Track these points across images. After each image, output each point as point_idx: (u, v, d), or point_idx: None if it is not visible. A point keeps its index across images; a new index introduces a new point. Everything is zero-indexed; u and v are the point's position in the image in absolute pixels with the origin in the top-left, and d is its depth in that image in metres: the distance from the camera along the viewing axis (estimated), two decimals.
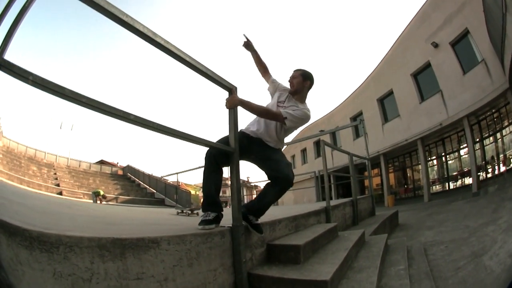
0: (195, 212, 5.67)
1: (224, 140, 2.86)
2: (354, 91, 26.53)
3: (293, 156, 38.30)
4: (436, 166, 20.36)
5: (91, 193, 20.93)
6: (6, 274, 1.47)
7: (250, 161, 3.14)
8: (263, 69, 3.45)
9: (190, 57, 2.34)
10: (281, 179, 2.79)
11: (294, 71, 3.27)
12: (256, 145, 3.04)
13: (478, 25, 13.70)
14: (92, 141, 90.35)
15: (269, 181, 2.93)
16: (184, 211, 6.27)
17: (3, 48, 1.35)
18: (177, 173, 12.04)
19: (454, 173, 18.58)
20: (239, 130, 2.93)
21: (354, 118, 25.68)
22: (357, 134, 25.44)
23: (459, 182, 18.09)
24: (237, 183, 2.67)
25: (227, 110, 2.79)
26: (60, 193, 20.02)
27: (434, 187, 19.66)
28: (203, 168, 2.89)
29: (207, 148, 2.79)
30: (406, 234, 6.05)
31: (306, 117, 3.07)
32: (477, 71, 14.36)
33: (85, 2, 1.68)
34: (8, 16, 1.46)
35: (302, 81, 3.19)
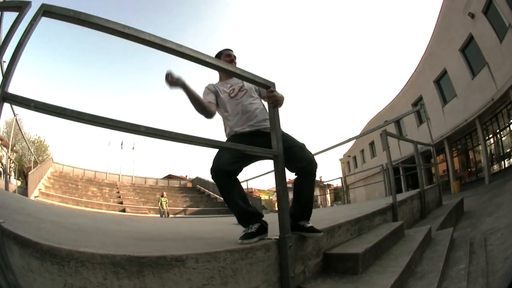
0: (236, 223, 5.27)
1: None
2: (411, 75, 25.66)
3: (362, 151, 37.78)
4: (492, 145, 18.76)
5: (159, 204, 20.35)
6: (15, 277, 1.69)
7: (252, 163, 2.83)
8: (203, 105, 2.79)
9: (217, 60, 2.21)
10: (306, 167, 2.54)
11: (231, 50, 3.06)
12: (258, 139, 2.64)
13: None
14: (158, 157, 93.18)
15: (295, 175, 2.63)
16: None
17: (5, 83, 1.49)
18: (246, 180, 12.00)
19: (508, 150, 17.04)
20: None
21: (415, 104, 24.60)
22: (420, 120, 24.50)
23: None
24: (283, 190, 2.38)
25: (267, 107, 2.56)
26: (123, 210, 20.50)
27: (493, 167, 18.14)
28: (218, 188, 2.60)
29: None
30: (470, 223, 5.75)
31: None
32: (510, 37, 13.34)
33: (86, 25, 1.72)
34: (6, 53, 1.67)
35: None
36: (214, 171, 2.56)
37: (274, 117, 2.48)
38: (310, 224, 2.52)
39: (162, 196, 20.67)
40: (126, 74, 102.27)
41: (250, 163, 2.75)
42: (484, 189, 13.25)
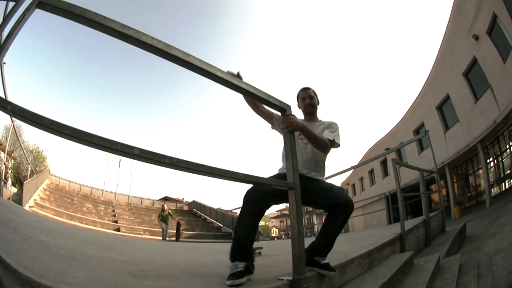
0: (257, 251, 4.90)
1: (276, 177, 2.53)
2: (413, 102, 25.79)
3: (361, 179, 38.03)
4: (492, 168, 18.66)
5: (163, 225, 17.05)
6: None
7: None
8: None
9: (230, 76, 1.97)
10: (341, 204, 2.47)
11: (307, 90, 3.09)
12: (305, 182, 2.51)
13: (501, 7, 12.90)
14: (155, 177, 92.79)
15: (328, 213, 2.57)
16: None
17: None
18: None
19: (508, 171, 16.92)
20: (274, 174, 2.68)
21: (417, 131, 24.87)
22: (421, 147, 24.46)
23: None
24: (299, 226, 2.16)
25: (281, 135, 2.40)
26: (118, 230, 20.17)
27: (492, 189, 17.97)
28: (243, 207, 2.43)
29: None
30: (473, 246, 5.72)
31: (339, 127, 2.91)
32: None
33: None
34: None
35: (318, 100, 3.12)
36: (251, 190, 2.43)
37: (289, 144, 2.29)
38: (326, 261, 2.38)
39: (163, 210, 17.47)
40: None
41: (281, 202, 2.62)
42: (485, 212, 13.27)
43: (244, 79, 2.46)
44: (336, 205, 2.46)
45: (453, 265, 3.74)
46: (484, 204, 16.80)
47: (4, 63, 7.98)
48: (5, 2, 2.98)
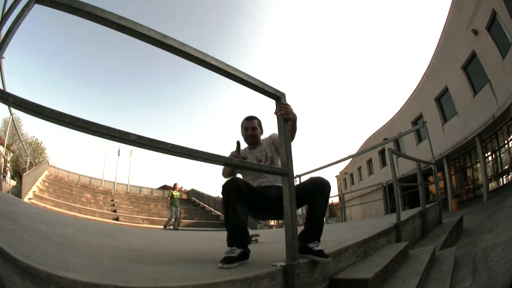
0: (254, 239, 4.97)
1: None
2: (412, 93, 25.80)
3: (359, 168, 38.23)
4: (490, 163, 18.80)
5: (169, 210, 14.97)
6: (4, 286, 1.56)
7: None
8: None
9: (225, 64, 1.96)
10: (319, 182, 2.55)
11: (251, 121, 3.25)
12: (280, 190, 2.46)
13: (501, 4, 13.02)
14: (153, 166, 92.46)
15: (309, 200, 2.60)
16: None
17: None
18: None
19: (506, 167, 17.03)
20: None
21: (415, 122, 24.97)
22: (419, 138, 24.62)
23: (511, 175, 16.61)
24: (292, 211, 2.15)
25: (276, 121, 2.36)
26: (117, 219, 20.10)
27: (490, 184, 18.17)
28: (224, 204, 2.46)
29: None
30: (470, 240, 5.76)
31: None
32: None
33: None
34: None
35: (261, 130, 3.31)
36: (232, 185, 2.46)
37: (284, 131, 2.29)
38: (319, 248, 2.38)
39: (175, 188, 15.54)
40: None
41: (267, 217, 2.88)
42: (482, 206, 13.38)
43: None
44: (314, 188, 2.52)
45: (449, 258, 3.75)
46: (482, 198, 16.99)
47: (3, 57, 7.95)
48: None
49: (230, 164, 1.97)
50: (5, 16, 1.65)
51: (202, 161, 1.72)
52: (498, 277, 3.12)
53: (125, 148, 43.26)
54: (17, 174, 28.46)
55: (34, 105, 1.30)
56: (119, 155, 41.73)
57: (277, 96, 2.33)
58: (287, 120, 2.31)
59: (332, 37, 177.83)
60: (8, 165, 28.37)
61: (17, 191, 15.95)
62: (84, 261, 2.10)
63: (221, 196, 2.50)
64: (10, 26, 1.50)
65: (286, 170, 2.16)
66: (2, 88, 8.23)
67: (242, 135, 3.25)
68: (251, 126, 3.18)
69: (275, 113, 2.34)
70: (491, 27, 14.87)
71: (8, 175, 26.78)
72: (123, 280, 1.49)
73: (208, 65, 1.86)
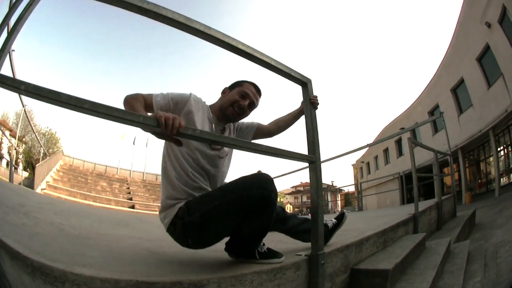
0: None
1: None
2: (429, 83, 25.44)
3: (375, 157, 37.78)
4: (502, 157, 18.48)
5: None
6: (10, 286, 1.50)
7: None
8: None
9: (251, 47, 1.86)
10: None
11: (257, 91, 2.29)
12: None
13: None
14: None
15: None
16: None
17: None
18: None
19: None
20: None
21: (431, 112, 24.51)
22: (435, 129, 24.20)
23: None
24: (319, 200, 2.03)
25: (304, 106, 2.27)
26: (133, 207, 20.13)
27: (502, 179, 17.92)
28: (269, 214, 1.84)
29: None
30: (482, 235, 5.74)
31: None
32: None
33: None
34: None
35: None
36: (266, 193, 1.73)
37: (312, 119, 2.20)
38: (333, 224, 2.47)
39: None
40: None
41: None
42: (494, 201, 13.25)
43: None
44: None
45: (462, 251, 3.76)
46: (493, 192, 16.73)
47: (13, 50, 7.94)
48: None
49: (259, 151, 1.70)
50: (13, 6, 1.56)
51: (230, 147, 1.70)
52: (504, 275, 3.13)
53: (141, 137, 43.05)
54: (30, 165, 28.65)
55: (49, 91, 1.21)
56: (134, 144, 41.66)
57: (304, 82, 2.24)
58: (316, 107, 2.26)
59: (352, 28, 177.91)
60: (20, 156, 28.60)
61: (29, 183, 16.06)
62: (101, 254, 2.01)
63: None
64: (19, 17, 1.45)
65: (314, 158, 2.08)
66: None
67: (228, 98, 2.20)
68: (251, 99, 2.22)
69: (309, 98, 2.19)
70: (503, 21, 14.61)
71: (20, 166, 27.02)
72: (145, 274, 1.44)
73: (235, 49, 1.77)
